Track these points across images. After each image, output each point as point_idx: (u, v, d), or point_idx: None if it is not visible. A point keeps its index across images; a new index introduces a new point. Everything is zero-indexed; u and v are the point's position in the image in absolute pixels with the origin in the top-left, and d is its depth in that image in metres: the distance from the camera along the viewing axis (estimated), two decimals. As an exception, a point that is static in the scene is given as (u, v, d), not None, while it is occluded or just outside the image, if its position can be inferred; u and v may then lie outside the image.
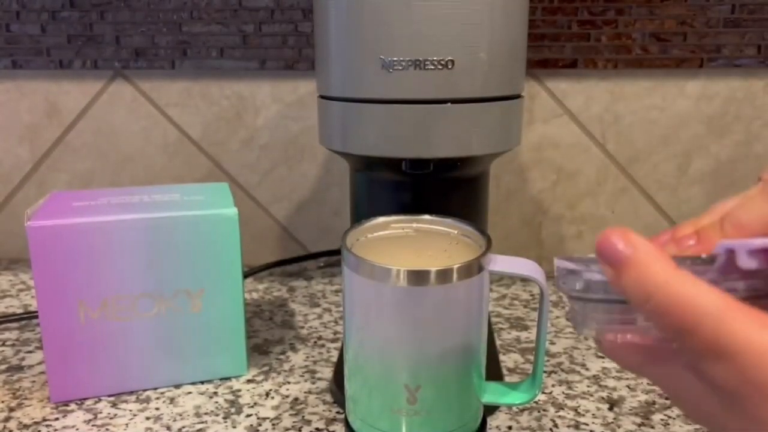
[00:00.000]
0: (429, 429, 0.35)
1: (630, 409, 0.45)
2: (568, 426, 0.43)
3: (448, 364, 0.34)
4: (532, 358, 0.52)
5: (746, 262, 0.25)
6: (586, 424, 0.44)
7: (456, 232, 0.37)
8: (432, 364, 0.34)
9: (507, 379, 0.49)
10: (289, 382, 0.49)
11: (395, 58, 0.37)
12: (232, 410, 0.45)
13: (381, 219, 0.38)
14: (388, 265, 0.32)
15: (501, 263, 0.35)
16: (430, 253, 0.36)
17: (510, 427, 0.43)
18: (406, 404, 0.34)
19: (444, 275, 0.32)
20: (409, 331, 0.33)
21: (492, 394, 0.38)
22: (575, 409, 0.45)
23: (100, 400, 0.47)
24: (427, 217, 0.38)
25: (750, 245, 0.24)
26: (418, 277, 0.32)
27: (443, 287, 0.32)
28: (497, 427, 0.43)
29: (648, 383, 0.49)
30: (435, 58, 0.37)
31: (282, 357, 0.53)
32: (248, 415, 0.45)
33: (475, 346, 0.35)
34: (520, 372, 0.50)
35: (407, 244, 0.37)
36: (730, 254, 0.25)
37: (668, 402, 0.46)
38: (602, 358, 0.52)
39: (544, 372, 0.50)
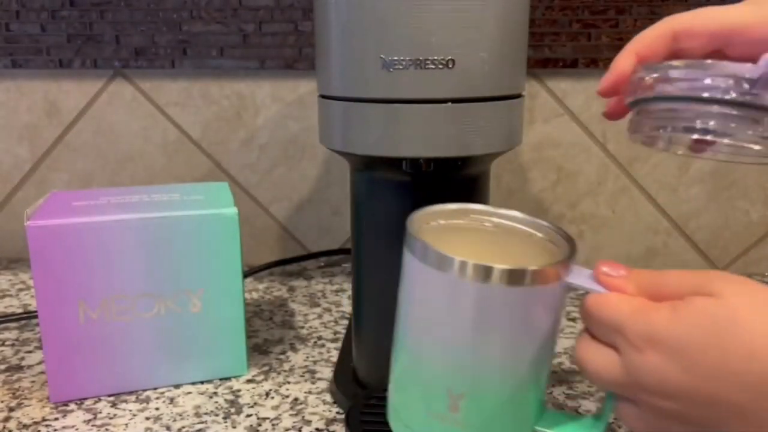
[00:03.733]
0: None
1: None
2: (569, 426, 0.43)
3: (501, 378, 0.31)
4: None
5: None
6: (587, 424, 0.44)
7: (540, 234, 0.34)
8: (481, 373, 0.31)
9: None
10: (289, 382, 0.49)
11: (396, 58, 0.37)
12: (232, 410, 0.45)
13: (458, 206, 0.35)
14: (453, 254, 0.29)
15: (583, 276, 0.31)
16: (503, 251, 0.33)
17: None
18: (447, 411, 0.32)
19: (514, 276, 0.29)
20: (461, 329, 0.31)
21: (547, 423, 0.33)
22: (576, 410, 0.45)
23: (99, 400, 0.47)
24: (512, 213, 0.35)
25: None
26: (483, 273, 0.29)
27: (510, 289, 0.29)
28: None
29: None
30: (435, 58, 0.37)
31: (282, 357, 0.53)
32: (248, 415, 0.45)
33: (536, 364, 0.32)
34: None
35: (481, 238, 0.34)
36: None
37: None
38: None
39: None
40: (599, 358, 0.30)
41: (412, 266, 0.32)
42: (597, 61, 0.66)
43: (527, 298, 0.30)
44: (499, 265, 0.29)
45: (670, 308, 0.28)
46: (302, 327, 0.59)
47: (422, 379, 0.33)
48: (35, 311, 0.58)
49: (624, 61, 0.33)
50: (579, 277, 0.31)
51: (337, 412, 0.45)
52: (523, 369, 0.31)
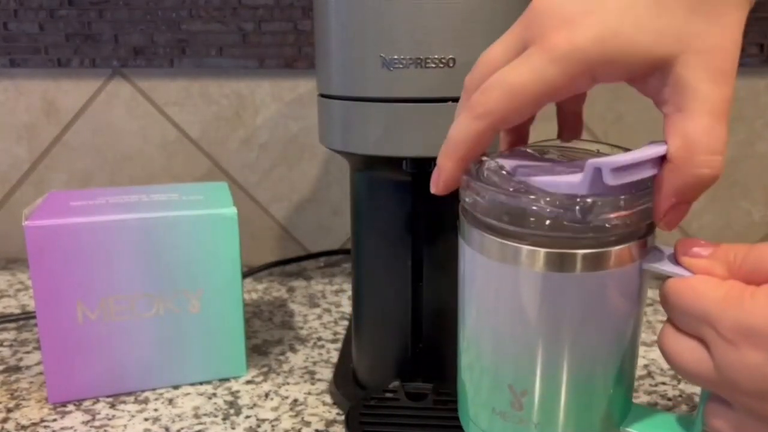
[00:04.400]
0: None
1: (632, 411, 0.45)
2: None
3: (568, 373, 0.29)
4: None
5: (609, 179, 0.26)
6: (588, 426, 0.43)
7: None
8: (543, 368, 0.29)
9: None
10: (288, 383, 0.49)
11: (396, 57, 0.37)
12: (231, 411, 0.45)
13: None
14: (499, 237, 0.28)
15: (663, 258, 0.28)
16: None
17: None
18: (510, 408, 0.30)
19: (567, 261, 0.27)
20: (519, 319, 0.29)
21: (636, 422, 0.31)
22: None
23: (98, 400, 0.46)
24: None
25: (614, 163, 0.26)
26: (527, 255, 0.27)
27: (569, 276, 0.27)
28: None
29: (650, 384, 0.48)
30: (436, 57, 0.36)
31: (281, 358, 0.53)
32: (247, 417, 0.45)
33: (610, 358, 0.29)
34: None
35: None
36: (596, 172, 0.26)
37: (671, 403, 0.46)
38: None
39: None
40: (687, 353, 0.26)
41: (467, 256, 0.31)
42: (598, 61, 0.66)
43: (587, 284, 0.28)
44: (568, 251, 0.27)
45: None
46: (302, 328, 0.59)
47: (482, 376, 0.32)
48: (33, 312, 0.58)
49: (454, 172, 0.30)
50: (657, 259, 0.28)
51: (337, 413, 0.45)
52: (593, 363, 0.29)
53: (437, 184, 0.31)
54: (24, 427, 0.43)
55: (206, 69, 0.70)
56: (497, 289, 0.29)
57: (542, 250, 0.27)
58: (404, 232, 0.42)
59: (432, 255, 0.42)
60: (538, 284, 0.28)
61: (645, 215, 0.28)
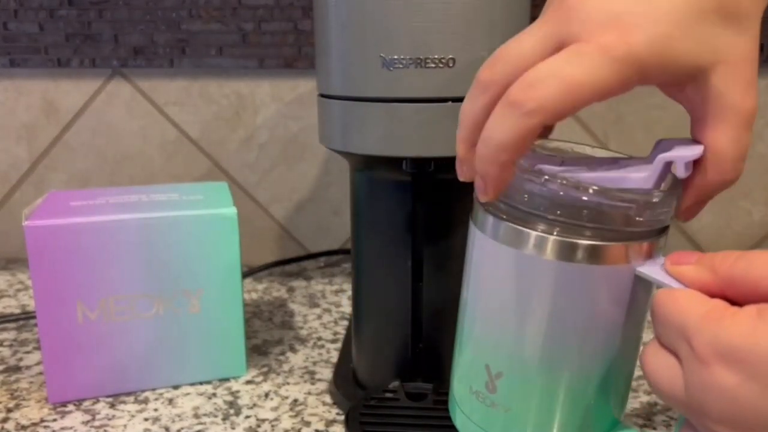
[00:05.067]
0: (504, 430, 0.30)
1: (631, 410, 0.45)
2: (570, 427, 0.43)
3: (542, 364, 0.29)
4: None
5: (683, 173, 0.28)
6: (588, 426, 0.43)
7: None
8: (520, 353, 0.29)
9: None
10: (288, 383, 0.49)
11: (396, 57, 0.36)
12: (231, 411, 0.45)
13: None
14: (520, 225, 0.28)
15: (656, 266, 0.27)
16: None
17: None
18: (485, 389, 0.30)
19: (562, 249, 0.27)
20: (505, 300, 0.29)
21: None
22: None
23: (98, 400, 0.46)
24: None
25: (687, 157, 0.28)
26: (517, 238, 0.28)
27: (559, 264, 0.27)
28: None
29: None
30: (436, 57, 0.36)
31: (281, 358, 0.53)
32: (247, 417, 0.45)
33: (595, 361, 0.29)
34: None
35: None
36: (666, 167, 0.28)
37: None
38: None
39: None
40: (662, 370, 0.25)
41: (476, 239, 0.31)
42: (598, 61, 0.66)
43: (581, 277, 0.27)
44: (532, 230, 0.27)
45: (754, 313, 0.22)
46: (302, 328, 0.58)
47: (466, 354, 0.32)
48: (33, 311, 0.58)
49: (509, 171, 0.28)
50: (651, 266, 0.27)
51: (337, 413, 0.45)
52: (576, 363, 0.29)
53: (487, 193, 0.28)
54: (24, 427, 0.43)
55: (206, 69, 0.69)
56: (502, 272, 0.29)
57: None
58: (404, 232, 0.42)
59: (432, 255, 0.42)
60: (548, 272, 0.28)
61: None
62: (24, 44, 0.70)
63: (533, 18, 0.39)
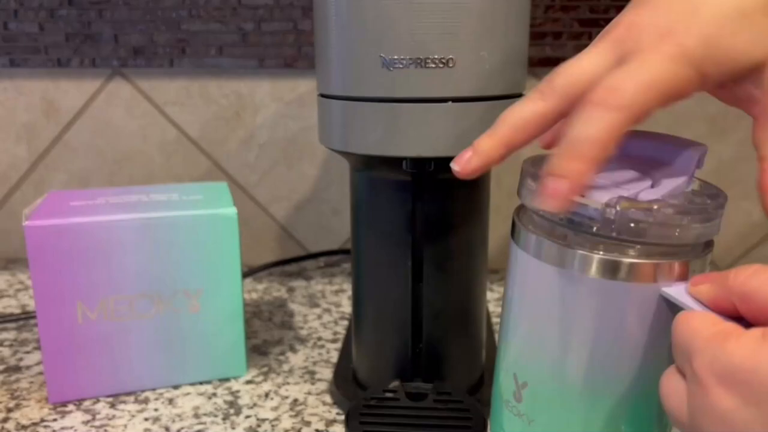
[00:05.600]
0: None
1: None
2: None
3: (563, 375, 0.29)
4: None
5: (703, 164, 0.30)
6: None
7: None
8: (545, 364, 0.29)
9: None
10: (288, 383, 0.49)
11: (396, 57, 0.36)
12: (231, 411, 0.45)
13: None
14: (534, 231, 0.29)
15: (680, 288, 0.27)
16: None
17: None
18: (513, 399, 0.31)
19: (606, 268, 0.27)
20: (549, 317, 0.29)
21: None
22: None
23: (98, 400, 0.46)
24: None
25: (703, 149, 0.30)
26: (561, 256, 0.28)
27: (583, 279, 0.27)
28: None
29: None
30: (436, 57, 0.36)
31: (281, 358, 0.53)
32: (247, 416, 0.45)
33: (618, 378, 0.28)
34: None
35: None
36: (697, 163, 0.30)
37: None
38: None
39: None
40: (673, 394, 0.25)
41: (519, 258, 0.31)
42: (598, 60, 0.66)
43: (596, 293, 0.28)
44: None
45: (759, 335, 0.22)
46: (302, 328, 0.58)
47: (500, 364, 0.33)
48: (33, 311, 0.58)
49: (585, 176, 0.28)
50: (677, 287, 0.27)
51: (337, 413, 0.45)
52: (601, 382, 0.28)
53: (563, 196, 0.27)
54: (24, 427, 0.43)
55: (206, 69, 0.69)
56: (546, 290, 0.30)
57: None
58: (404, 232, 0.42)
59: (432, 255, 0.42)
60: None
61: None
62: (24, 44, 0.70)
63: (534, 17, 0.40)
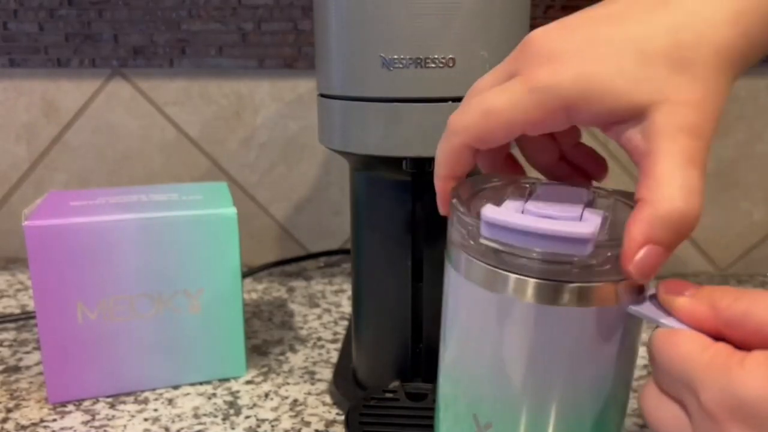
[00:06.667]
0: None
1: (632, 411, 0.45)
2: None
3: (531, 411, 0.27)
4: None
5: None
6: (588, 426, 0.43)
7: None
8: (505, 399, 0.28)
9: None
10: (288, 383, 0.49)
11: (396, 56, 0.36)
12: (231, 411, 0.45)
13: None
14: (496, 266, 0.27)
15: (649, 303, 0.26)
16: None
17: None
18: None
19: (546, 293, 0.25)
20: (489, 344, 0.28)
21: None
22: None
23: (98, 401, 0.46)
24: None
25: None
26: (494, 280, 0.26)
27: (542, 308, 0.26)
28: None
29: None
30: (436, 57, 0.36)
31: (281, 358, 0.53)
32: (247, 417, 0.44)
33: (584, 408, 0.27)
34: None
35: None
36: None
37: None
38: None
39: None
40: (670, 420, 0.24)
41: (453, 281, 0.29)
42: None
43: (559, 320, 0.26)
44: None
45: (762, 360, 0.21)
46: (302, 328, 0.58)
47: (450, 403, 0.31)
48: (33, 312, 0.58)
49: (446, 187, 0.31)
50: (644, 303, 0.26)
51: (337, 413, 0.45)
52: (563, 408, 0.27)
53: (441, 208, 0.32)
54: (24, 427, 0.43)
55: (206, 69, 0.69)
56: (478, 316, 0.28)
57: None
58: (404, 232, 0.42)
59: (432, 255, 0.42)
60: (526, 315, 0.27)
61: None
62: (24, 44, 0.70)
63: (534, 17, 0.40)
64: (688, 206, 0.24)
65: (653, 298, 0.26)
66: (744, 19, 0.26)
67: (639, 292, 0.26)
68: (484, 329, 0.28)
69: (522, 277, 0.26)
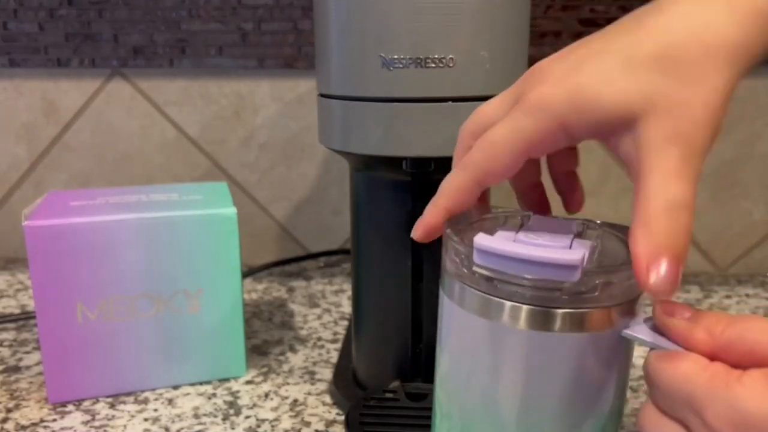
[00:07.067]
0: None
1: (632, 411, 0.45)
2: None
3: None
4: None
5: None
6: (588, 426, 0.43)
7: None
8: (503, 427, 0.28)
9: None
10: (288, 383, 0.49)
11: (396, 56, 0.36)
12: (231, 411, 0.45)
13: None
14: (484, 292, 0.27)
15: (643, 326, 0.26)
16: None
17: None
18: None
19: (538, 319, 0.26)
20: (483, 372, 0.28)
21: None
22: None
23: (98, 401, 0.46)
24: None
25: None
26: (488, 307, 0.27)
27: (537, 334, 0.26)
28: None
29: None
30: (436, 56, 0.36)
31: (281, 358, 0.53)
32: (247, 417, 0.44)
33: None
34: None
35: None
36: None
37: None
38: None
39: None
40: None
41: (447, 309, 0.30)
42: (598, 60, 0.66)
43: (554, 346, 0.26)
44: (499, 297, 0.27)
45: (760, 376, 0.22)
46: (302, 328, 0.58)
47: (448, 428, 0.31)
48: (33, 312, 0.58)
49: (437, 216, 0.31)
50: (638, 327, 0.27)
51: (337, 413, 0.45)
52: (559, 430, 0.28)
53: (416, 230, 0.32)
54: (24, 427, 0.43)
55: (206, 69, 0.69)
56: (472, 343, 0.29)
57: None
58: (404, 232, 0.42)
59: (432, 255, 0.42)
60: (519, 342, 0.27)
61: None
62: (24, 44, 0.70)
63: (534, 17, 0.40)
64: (675, 223, 0.24)
65: (647, 321, 0.27)
66: (741, 10, 0.26)
67: (631, 317, 0.27)
68: (478, 357, 0.28)
69: (514, 303, 0.26)
